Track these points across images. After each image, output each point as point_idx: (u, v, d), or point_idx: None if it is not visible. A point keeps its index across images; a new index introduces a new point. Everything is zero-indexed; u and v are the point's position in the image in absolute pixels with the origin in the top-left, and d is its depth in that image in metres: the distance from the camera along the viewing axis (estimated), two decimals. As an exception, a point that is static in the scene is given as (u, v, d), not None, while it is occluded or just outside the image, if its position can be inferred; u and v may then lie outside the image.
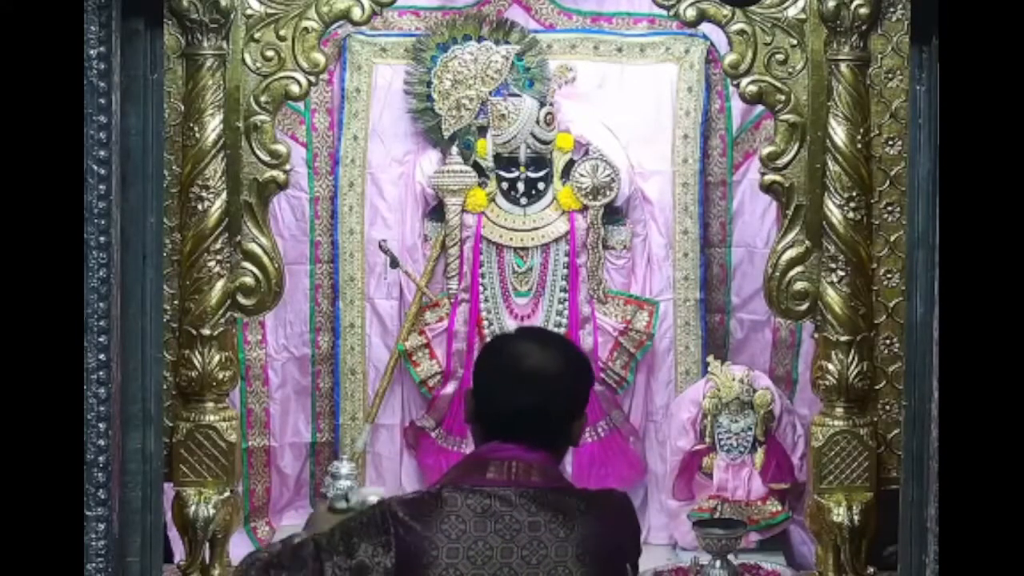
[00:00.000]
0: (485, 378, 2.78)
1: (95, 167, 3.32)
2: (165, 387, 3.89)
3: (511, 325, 4.92)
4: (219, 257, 3.95)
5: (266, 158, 3.98)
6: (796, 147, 3.97)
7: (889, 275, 4.06)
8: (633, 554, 2.80)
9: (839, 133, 3.92)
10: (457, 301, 5.07)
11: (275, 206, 4.69)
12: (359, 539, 2.66)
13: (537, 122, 5.00)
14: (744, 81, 3.96)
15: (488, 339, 2.89)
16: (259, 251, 4.01)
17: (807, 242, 4.01)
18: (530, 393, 2.70)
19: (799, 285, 4.02)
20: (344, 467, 4.71)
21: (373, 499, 3.02)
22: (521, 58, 5.07)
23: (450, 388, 5.01)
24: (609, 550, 2.71)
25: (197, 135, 3.91)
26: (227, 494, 4.01)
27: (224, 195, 3.93)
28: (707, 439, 4.86)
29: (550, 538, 2.66)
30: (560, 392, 2.74)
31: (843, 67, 3.90)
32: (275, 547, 2.74)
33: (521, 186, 5.06)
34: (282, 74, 3.94)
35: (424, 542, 2.64)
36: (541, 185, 5.08)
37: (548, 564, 2.65)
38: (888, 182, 4.03)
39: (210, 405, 4.02)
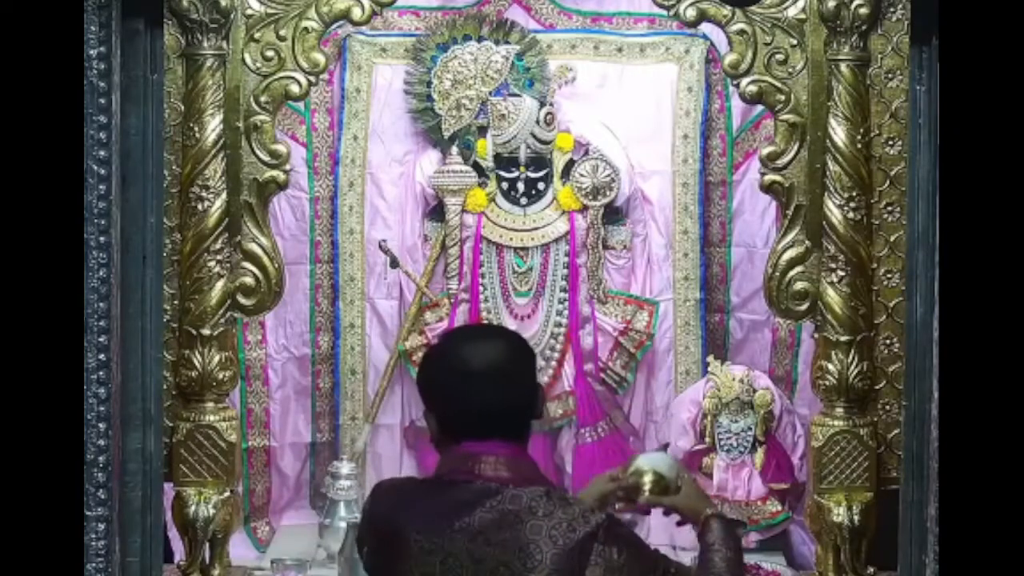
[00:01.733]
0: (437, 390, 2.82)
1: (95, 167, 3.32)
2: (165, 387, 3.89)
3: (511, 325, 4.92)
4: (219, 257, 3.95)
5: (266, 158, 3.98)
6: (796, 147, 3.97)
7: (889, 275, 4.06)
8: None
9: (839, 133, 3.92)
10: (457, 301, 5.07)
11: (275, 206, 4.69)
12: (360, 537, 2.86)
13: (537, 122, 4.99)
14: (744, 81, 3.96)
15: (422, 357, 2.93)
16: (259, 251, 4.01)
17: (807, 242, 4.01)
18: (491, 388, 2.75)
19: (799, 285, 4.03)
20: (344, 467, 4.72)
21: None
22: (521, 58, 5.07)
23: (450, 388, 5.00)
24: (577, 553, 2.68)
25: (197, 135, 3.91)
26: (227, 494, 4.01)
27: (224, 195, 3.93)
28: (707, 439, 4.86)
29: (522, 533, 2.67)
30: (513, 375, 2.78)
31: (843, 67, 3.90)
32: None
33: (521, 186, 5.06)
34: (282, 74, 3.94)
35: (397, 530, 2.73)
36: (541, 185, 5.08)
37: (521, 556, 2.67)
38: (888, 182, 4.03)
39: (210, 405, 4.02)
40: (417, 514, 2.74)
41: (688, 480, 3.03)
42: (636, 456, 3.10)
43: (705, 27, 4.30)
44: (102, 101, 3.32)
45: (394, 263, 5.04)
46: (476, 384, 2.75)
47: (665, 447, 3.19)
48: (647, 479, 3.01)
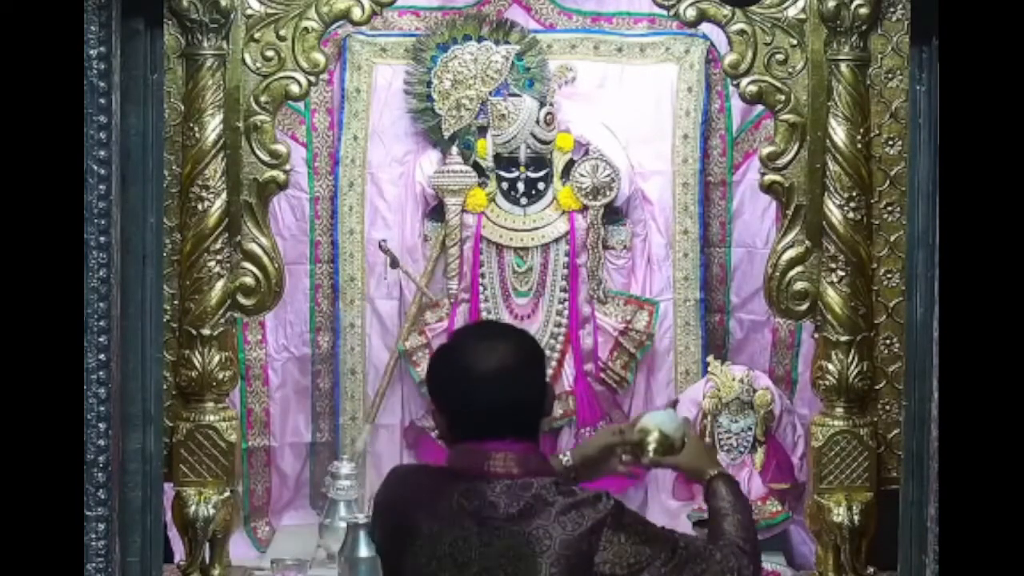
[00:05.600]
0: (447, 390, 2.83)
1: (95, 167, 3.32)
2: (165, 387, 3.89)
3: (512, 325, 4.92)
4: (219, 257, 3.95)
5: (266, 158, 3.98)
6: (796, 147, 3.97)
7: (889, 275, 4.06)
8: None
9: (839, 133, 3.92)
10: (457, 301, 5.07)
11: (275, 206, 4.69)
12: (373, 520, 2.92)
13: (537, 122, 4.99)
14: (744, 81, 3.96)
15: (432, 357, 2.95)
16: (259, 251, 4.01)
17: (807, 242, 4.01)
18: (500, 387, 2.75)
19: (799, 285, 4.03)
20: (344, 467, 4.72)
21: None
22: (521, 58, 5.07)
23: (450, 388, 5.00)
24: (587, 539, 2.72)
25: (197, 135, 3.91)
26: (227, 494, 4.02)
27: (224, 195, 3.93)
28: (707, 439, 4.86)
29: (531, 519, 2.70)
30: (523, 375, 2.80)
31: (843, 67, 3.91)
32: None
33: (521, 186, 5.06)
34: (282, 74, 3.94)
35: (407, 513, 2.75)
36: (541, 185, 5.08)
37: (530, 542, 2.69)
38: (888, 182, 4.04)
39: (210, 405, 4.02)
40: (427, 497, 2.76)
41: (693, 439, 3.07)
42: (643, 413, 3.13)
43: (705, 27, 4.30)
44: (102, 101, 3.32)
45: (394, 263, 5.04)
46: (486, 384, 2.75)
47: (674, 404, 3.22)
48: (652, 438, 3.04)
